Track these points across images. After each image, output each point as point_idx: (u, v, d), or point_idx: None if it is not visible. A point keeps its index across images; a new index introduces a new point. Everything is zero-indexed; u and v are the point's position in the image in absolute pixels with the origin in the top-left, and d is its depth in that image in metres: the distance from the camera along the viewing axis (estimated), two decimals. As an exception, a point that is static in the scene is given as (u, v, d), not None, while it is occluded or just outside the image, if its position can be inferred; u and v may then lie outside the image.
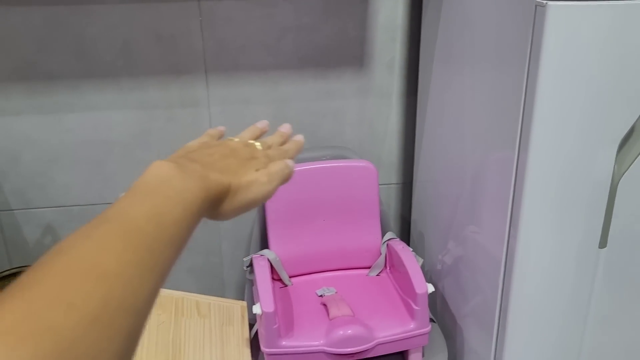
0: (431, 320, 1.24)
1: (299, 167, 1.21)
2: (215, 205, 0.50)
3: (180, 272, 1.56)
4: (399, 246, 1.20)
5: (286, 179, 0.58)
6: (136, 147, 1.40)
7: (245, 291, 1.33)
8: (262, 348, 1.06)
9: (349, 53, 1.40)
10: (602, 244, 0.89)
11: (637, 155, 0.83)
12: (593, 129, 0.83)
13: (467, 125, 1.11)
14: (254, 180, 0.54)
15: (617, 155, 0.83)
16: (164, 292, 1.16)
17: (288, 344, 1.05)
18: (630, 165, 0.84)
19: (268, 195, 0.55)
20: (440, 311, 1.31)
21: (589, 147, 0.84)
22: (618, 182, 0.85)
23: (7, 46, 1.28)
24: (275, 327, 1.04)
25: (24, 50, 1.29)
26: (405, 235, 1.57)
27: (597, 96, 0.81)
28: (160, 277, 0.39)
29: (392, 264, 1.23)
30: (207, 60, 1.36)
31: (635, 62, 0.79)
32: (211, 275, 1.57)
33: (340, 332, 1.05)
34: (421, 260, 1.21)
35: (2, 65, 1.29)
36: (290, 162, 0.59)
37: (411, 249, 1.20)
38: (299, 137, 0.66)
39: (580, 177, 0.85)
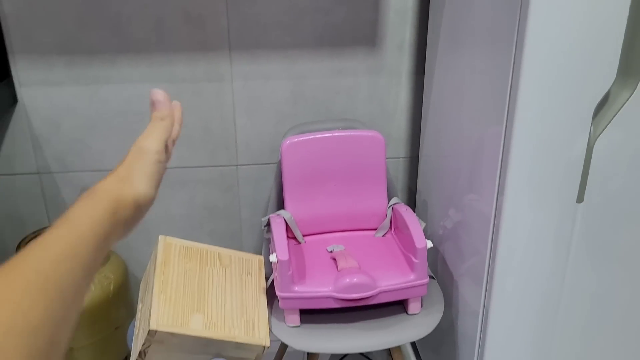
0: (431, 277, 1.36)
1: (314, 136, 1.33)
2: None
3: (202, 235, 1.69)
4: (403, 209, 1.31)
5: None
6: (165, 118, 1.53)
7: (263, 251, 1.45)
8: (277, 292, 1.19)
9: (362, 34, 1.51)
10: (580, 199, 1.00)
11: (611, 119, 0.94)
12: (571, 96, 0.93)
13: (466, 102, 1.22)
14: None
15: (593, 119, 0.94)
16: (190, 244, 1.29)
17: (300, 289, 1.18)
18: (605, 128, 0.95)
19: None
20: (440, 271, 1.43)
21: (568, 112, 0.94)
22: (594, 144, 0.96)
23: (50, 22, 1.41)
24: (289, 273, 1.17)
25: (65, 26, 1.42)
26: (411, 205, 1.69)
27: (576, 65, 0.92)
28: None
29: (397, 225, 1.35)
30: (231, 39, 1.48)
31: (608, 35, 0.90)
32: (230, 239, 1.70)
33: (347, 280, 1.17)
34: (424, 224, 1.32)
35: (47, 39, 1.42)
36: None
37: (415, 213, 1.32)
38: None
39: (560, 139, 0.96)
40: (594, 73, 0.92)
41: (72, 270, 0.40)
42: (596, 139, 0.95)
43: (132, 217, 0.52)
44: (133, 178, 0.54)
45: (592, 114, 0.94)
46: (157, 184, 0.57)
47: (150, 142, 0.58)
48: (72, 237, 0.43)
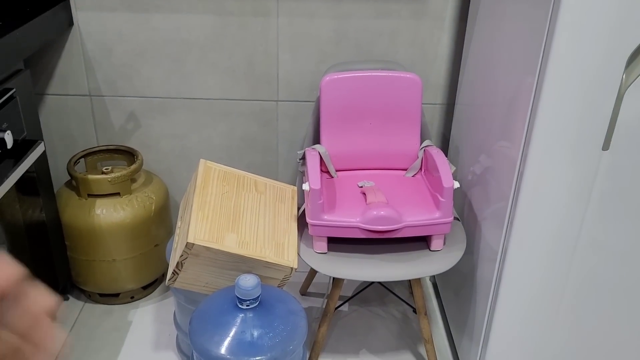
0: (457, 219, 1.41)
1: (353, 74, 1.37)
2: None
3: (240, 167, 1.76)
4: (434, 151, 1.36)
5: None
6: (211, 49, 1.58)
7: (297, 183, 1.52)
8: (307, 219, 1.25)
9: (408, -24, 1.52)
10: (605, 146, 1.03)
11: (645, 69, 0.96)
12: (605, 45, 0.95)
13: (504, 52, 1.23)
14: None
15: (625, 68, 0.96)
16: (229, 169, 1.36)
17: (329, 218, 1.24)
18: (637, 77, 0.96)
19: None
20: (466, 215, 1.47)
21: (601, 61, 0.96)
22: (624, 93, 0.97)
23: (108, -51, 1.46)
24: (319, 202, 1.23)
25: (122, -46, 1.47)
26: (444, 151, 1.72)
27: (611, 15, 0.93)
28: None
29: (427, 167, 1.40)
30: (279, -26, 1.51)
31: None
32: (267, 171, 1.77)
33: (374, 213, 1.23)
34: (454, 168, 1.36)
35: (103, -35, 1.48)
36: None
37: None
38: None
39: (591, 87, 0.98)
40: (629, 23, 0.93)
41: None
42: (627, 88, 0.97)
43: None
44: None
45: (624, 63, 0.95)
46: None
47: None
48: None
